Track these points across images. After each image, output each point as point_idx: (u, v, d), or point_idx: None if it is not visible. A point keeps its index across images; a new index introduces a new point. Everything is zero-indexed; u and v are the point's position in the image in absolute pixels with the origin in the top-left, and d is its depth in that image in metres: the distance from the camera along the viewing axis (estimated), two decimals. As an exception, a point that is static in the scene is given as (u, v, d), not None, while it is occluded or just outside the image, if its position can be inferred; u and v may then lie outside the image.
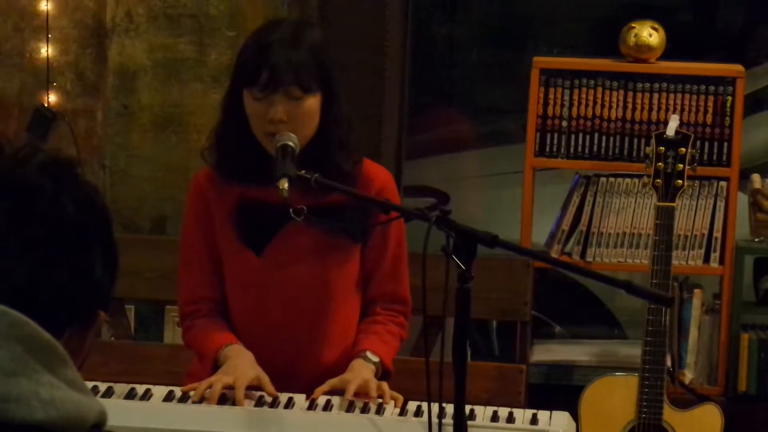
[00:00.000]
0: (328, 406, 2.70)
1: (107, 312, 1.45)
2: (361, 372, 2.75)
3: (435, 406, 2.45)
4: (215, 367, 2.78)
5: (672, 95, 3.90)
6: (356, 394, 2.70)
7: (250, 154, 2.74)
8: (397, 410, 2.70)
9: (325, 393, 2.72)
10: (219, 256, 2.86)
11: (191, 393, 2.72)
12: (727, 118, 3.89)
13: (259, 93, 2.73)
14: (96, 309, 1.42)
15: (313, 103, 2.75)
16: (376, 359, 2.80)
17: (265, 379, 2.72)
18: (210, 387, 2.69)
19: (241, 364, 2.73)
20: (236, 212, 2.83)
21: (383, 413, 2.68)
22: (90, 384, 2.55)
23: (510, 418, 2.69)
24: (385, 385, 2.74)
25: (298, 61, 2.71)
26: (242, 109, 2.76)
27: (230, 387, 2.70)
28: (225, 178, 2.82)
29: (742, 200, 3.97)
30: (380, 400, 2.71)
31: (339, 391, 2.73)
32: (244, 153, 2.77)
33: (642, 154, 3.80)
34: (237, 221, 2.83)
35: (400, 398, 2.72)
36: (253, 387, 2.72)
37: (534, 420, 2.69)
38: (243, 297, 2.86)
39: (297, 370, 2.84)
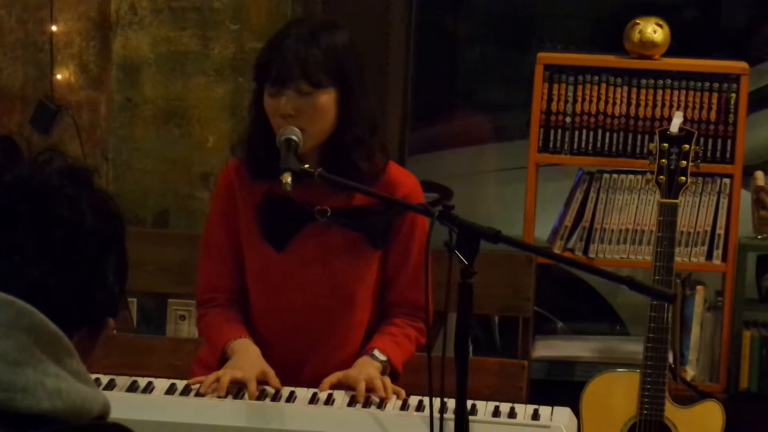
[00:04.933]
0: (329, 401, 2.70)
1: (116, 319, 1.46)
2: (366, 369, 2.75)
3: (437, 401, 2.46)
4: (222, 359, 2.79)
5: (676, 92, 3.90)
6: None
7: (275, 150, 2.73)
8: (399, 405, 2.70)
9: (333, 385, 2.73)
10: (241, 248, 2.86)
11: (194, 386, 2.73)
12: (731, 115, 3.89)
13: (271, 88, 2.74)
14: (105, 316, 1.43)
15: (325, 99, 2.74)
16: (383, 358, 2.80)
17: (271, 374, 2.73)
18: (217, 380, 2.70)
19: (247, 360, 2.74)
20: (261, 207, 2.83)
21: (385, 408, 2.69)
22: (92, 376, 2.55)
23: (511, 414, 2.69)
24: (387, 380, 2.73)
25: (306, 57, 2.71)
26: (263, 105, 2.77)
27: (238, 381, 2.70)
28: (253, 175, 2.82)
29: (745, 197, 3.97)
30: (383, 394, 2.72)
31: (343, 386, 2.74)
32: (269, 150, 2.76)
33: (645, 150, 3.79)
34: (261, 216, 2.83)
35: (402, 393, 2.73)
36: (258, 381, 2.72)
37: (535, 415, 2.69)
38: (261, 291, 2.86)
39: (306, 369, 2.84)
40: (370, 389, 2.71)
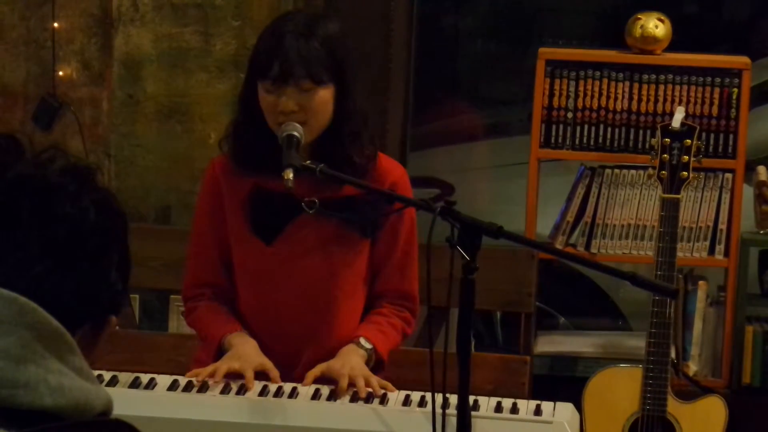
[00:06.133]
0: (332, 396, 2.70)
1: (118, 317, 1.46)
2: (350, 359, 2.75)
3: (439, 397, 2.46)
4: (219, 353, 2.79)
5: (678, 87, 3.90)
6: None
7: (265, 144, 2.74)
8: (401, 400, 2.71)
9: (316, 378, 2.73)
10: (228, 244, 2.87)
11: (194, 379, 2.73)
12: (733, 110, 3.88)
13: (270, 85, 2.74)
14: (108, 314, 1.43)
15: (325, 94, 2.75)
16: (369, 346, 2.81)
17: (269, 366, 2.73)
18: (214, 371, 2.71)
19: (246, 351, 2.74)
20: (249, 201, 2.84)
21: (387, 403, 2.69)
22: (95, 373, 2.56)
23: (514, 409, 2.69)
24: (372, 378, 2.73)
25: (309, 54, 2.72)
26: (257, 100, 2.77)
27: (236, 372, 2.71)
28: (240, 168, 2.82)
29: (747, 192, 3.96)
30: (383, 391, 2.72)
31: (328, 378, 2.74)
32: (259, 143, 2.77)
33: (647, 145, 3.79)
34: (249, 210, 2.84)
35: (389, 385, 2.73)
36: (258, 373, 2.73)
37: (538, 411, 2.69)
38: (251, 286, 2.87)
39: (301, 361, 2.84)
40: (352, 385, 2.71)
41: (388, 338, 2.86)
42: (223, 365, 2.71)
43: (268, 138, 2.74)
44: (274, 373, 2.73)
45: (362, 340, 2.82)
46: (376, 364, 2.83)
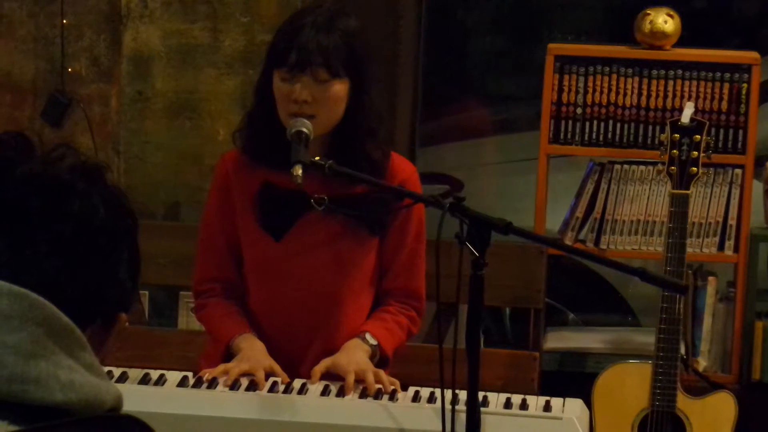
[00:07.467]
0: (341, 393, 2.70)
1: (128, 314, 1.47)
2: (355, 354, 2.76)
3: (448, 393, 2.46)
4: (227, 354, 2.80)
5: (687, 82, 3.89)
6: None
7: (277, 138, 2.74)
8: (411, 396, 2.71)
9: (322, 374, 2.74)
10: (237, 239, 2.87)
11: (205, 376, 2.74)
12: (743, 106, 3.88)
13: (286, 73, 2.74)
14: (117, 311, 1.44)
15: (339, 88, 2.75)
16: (374, 342, 2.81)
17: (277, 368, 2.74)
18: (226, 372, 2.72)
19: (255, 355, 2.75)
20: (258, 197, 2.84)
21: (396, 400, 2.69)
22: (104, 369, 2.56)
23: (523, 405, 2.69)
24: (381, 372, 2.74)
25: (327, 45, 2.72)
26: (272, 91, 2.77)
27: (246, 373, 2.71)
28: (251, 161, 2.82)
29: (756, 188, 3.96)
30: (392, 387, 2.72)
31: (334, 374, 2.74)
32: (271, 137, 2.77)
33: (657, 141, 3.79)
34: (259, 206, 2.84)
35: (397, 383, 2.73)
36: (266, 374, 2.73)
37: (547, 407, 2.69)
38: (260, 281, 2.87)
39: (309, 357, 2.85)
40: (360, 381, 2.71)
41: (393, 336, 2.86)
42: (235, 368, 2.71)
43: (278, 132, 2.75)
44: (283, 376, 2.74)
45: (368, 336, 2.82)
46: (380, 361, 2.83)
